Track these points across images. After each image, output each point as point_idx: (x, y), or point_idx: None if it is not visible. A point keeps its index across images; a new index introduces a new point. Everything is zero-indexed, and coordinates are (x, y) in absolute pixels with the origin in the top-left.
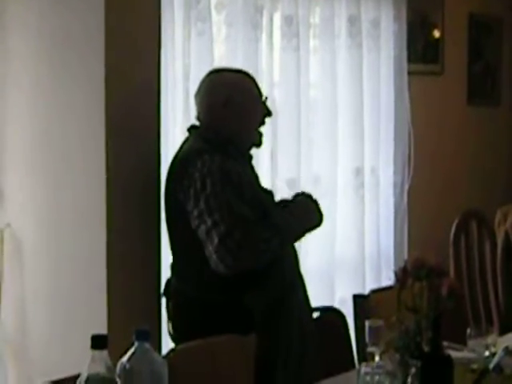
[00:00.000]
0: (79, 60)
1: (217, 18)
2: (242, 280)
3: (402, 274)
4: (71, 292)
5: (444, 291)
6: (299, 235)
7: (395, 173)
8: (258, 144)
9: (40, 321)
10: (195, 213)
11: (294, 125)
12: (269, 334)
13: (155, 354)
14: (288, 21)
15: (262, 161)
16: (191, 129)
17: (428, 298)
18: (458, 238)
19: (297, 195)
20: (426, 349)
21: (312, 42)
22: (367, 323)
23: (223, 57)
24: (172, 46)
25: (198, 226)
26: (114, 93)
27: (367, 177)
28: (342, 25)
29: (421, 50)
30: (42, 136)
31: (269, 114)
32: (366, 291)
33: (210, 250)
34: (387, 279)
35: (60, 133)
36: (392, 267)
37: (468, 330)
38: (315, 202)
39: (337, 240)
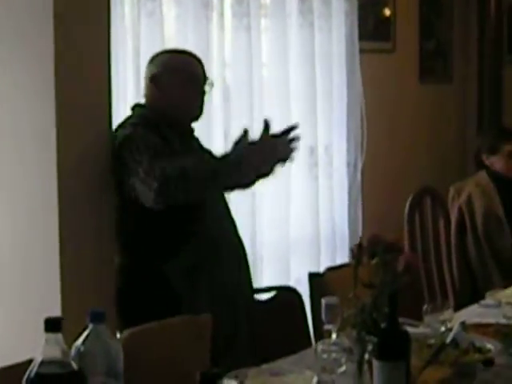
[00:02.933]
0: (27, 43)
1: None
2: (162, 247)
3: (357, 251)
4: (24, 277)
5: (400, 267)
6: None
7: (349, 151)
8: (196, 118)
9: None
10: (132, 175)
11: (247, 104)
12: (188, 305)
13: (110, 336)
14: (239, 0)
15: (216, 140)
16: (135, 107)
17: (384, 274)
18: (413, 215)
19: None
20: (382, 325)
21: (263, 22)
22: (323, 301)
23: (173, 37)
24: (122, 26)
25: (134, 182)
26: (63, 75)
27: (321, 155)
28: (293, 4)
29: (372, 28)
30: None
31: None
32: (322, 270)
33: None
34: (342, 257)
35: (9, 118)
36: (347, 245)
37: (424, 306)
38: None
39: (291, 219)
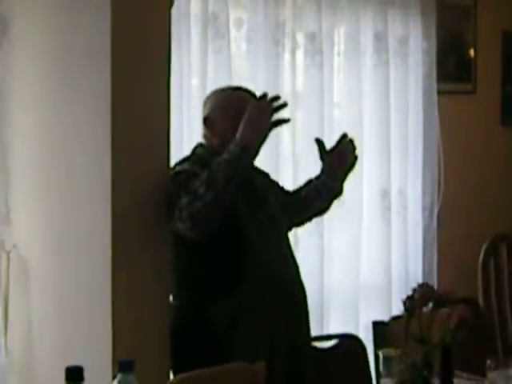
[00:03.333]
0: (84, 79)
1: (236, 34)
2: (209, 289)
3: (409, 304)
4: (75, 314)
5: (452, 323)
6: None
7: (424, 195)
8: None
9: (46, 343)
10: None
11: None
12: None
13: None
14: (311, 37)
15: (284, 180)
16: (196, 147)
17: (437, 329)
18: (487, 262)
19: None
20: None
21: (336, 60)
22: (381, 353)
23: (242, 75)
24: (188, 63)
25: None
26: (120, 114)
27: (394, 199)
28: (367, 42)
29: (452, 69)
30: (47, 156)
31: None
32: None
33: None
34: None
35: (65, 153)
36: None
37: (488, 362)
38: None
39: (362, 264)
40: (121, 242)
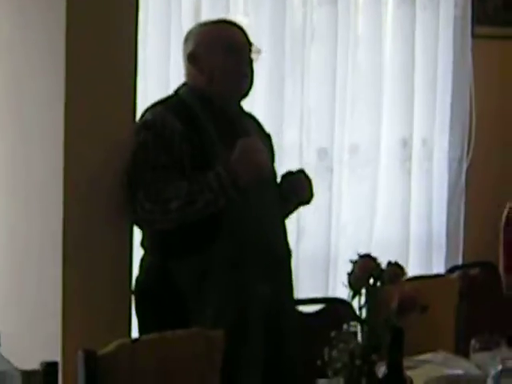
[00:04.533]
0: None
1: None
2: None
3: (353, 280)
4: (25, 265)
5: (394, 304)
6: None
7: (451, 145)
8: (246, 93)
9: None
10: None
11: (328, 88)
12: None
13: (5, 364)
14: None
15: (289, 128)
16: (181, 86)
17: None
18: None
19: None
20: (382, 371)
21: None
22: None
23: (241, 11)
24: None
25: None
26: (75, 63)
27: (416, 149)
28: None
29: (491, 11)
30: (2, 106)
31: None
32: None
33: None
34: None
35: (18, 100)
36: (444, 252)
37: (472, 341)
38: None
39: (377, 219)
40: (73, 190)
